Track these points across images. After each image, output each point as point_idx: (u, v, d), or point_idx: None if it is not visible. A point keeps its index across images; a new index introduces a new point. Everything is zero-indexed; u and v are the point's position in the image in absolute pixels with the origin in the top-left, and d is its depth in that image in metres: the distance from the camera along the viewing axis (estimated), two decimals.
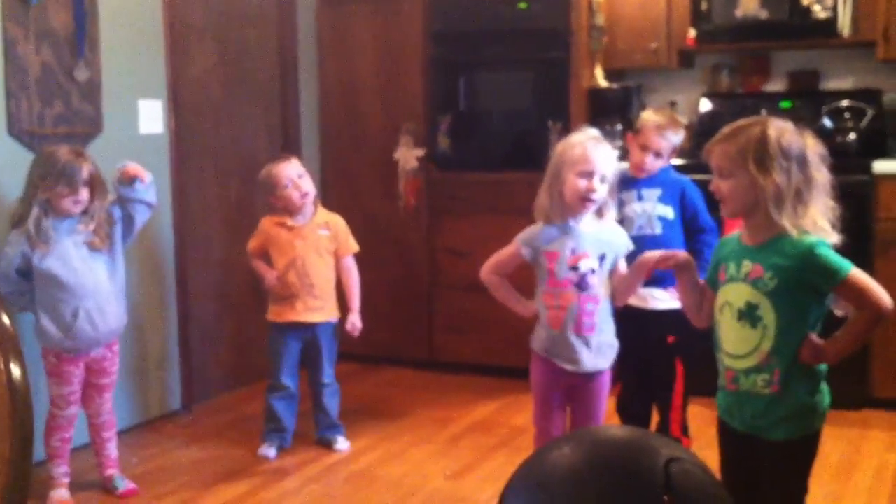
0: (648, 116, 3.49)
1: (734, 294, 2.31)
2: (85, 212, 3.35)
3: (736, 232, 2.43)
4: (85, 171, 3.31)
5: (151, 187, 3.49)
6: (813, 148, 2.29)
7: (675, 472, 1.63)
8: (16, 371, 1.13)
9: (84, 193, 3.31)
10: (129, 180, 3.41)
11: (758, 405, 2.29)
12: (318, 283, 3.83)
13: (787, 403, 2.27)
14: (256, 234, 3.91)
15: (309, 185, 3.85)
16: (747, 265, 2.29)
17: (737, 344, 2.31)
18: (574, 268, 2.87)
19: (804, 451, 2.32)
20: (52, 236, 3.29)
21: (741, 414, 2.33)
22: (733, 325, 2.31)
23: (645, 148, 3.42)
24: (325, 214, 3.92)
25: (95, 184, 3.34)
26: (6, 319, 1.16)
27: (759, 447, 2.32)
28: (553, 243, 2.89)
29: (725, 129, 2.34)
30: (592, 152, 2.87)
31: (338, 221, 3.93)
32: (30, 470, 1.16)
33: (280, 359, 3.86)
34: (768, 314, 2.24)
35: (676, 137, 3.46)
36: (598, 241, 2.91)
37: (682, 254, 2.56)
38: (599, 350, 2.93)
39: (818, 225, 2.25)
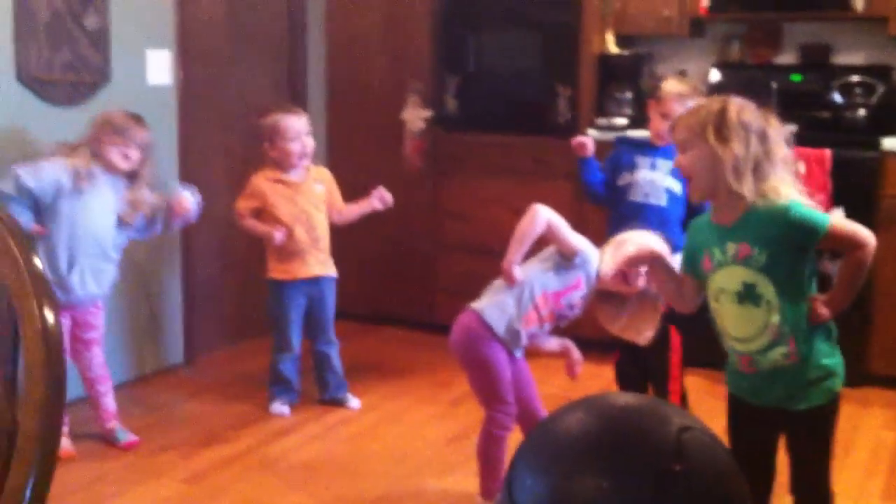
0: (671, 85, 3.46)
1: (727, 279, 2.30)
2: (131, 177, 3.32)
3: (701, 216, 2.43)
4: (139, 132, 3.31)
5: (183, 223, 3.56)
6: (775, 126, 2.30)
7: (687, 441, 1.63)
8: (49, 316, 1.13)
9: (134, 152, 3.29)
10: (177, 213, 3.46)
11: (785, 378, 2.30)
12: (322, 237, 3.84)
13: (811, 367, 2.29)
14: (249, 195, 3.81)
15: (311, 145, 3.83)
16: (732, 247, 2.28)
17: (743, 327, 2.30)
18: (571, 307, 2.97)
19: (831, 414, 2.34)
20: (94, 182, 3.26)
21: (770, 391, 2.33)
22: (734, 309, 2.30)
23: (665, 116, 3.39)
24: (315, 170, 3.91)
25: (146, 154, 3.33)
26: (38, 263, 1.15)
27: (782, 419, 2.33)
28: (589, 278, 2.95)
29: (690, 107, 2.40)
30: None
31: (326, 175, 3.94)
32: (62, 415, 1.16)
33: (289, 318, 3.84)
34: (767, 289, 2.24)
35: None
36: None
37: (651, 251, 2.58)
38: None
39: (781, 192, 2.24)
